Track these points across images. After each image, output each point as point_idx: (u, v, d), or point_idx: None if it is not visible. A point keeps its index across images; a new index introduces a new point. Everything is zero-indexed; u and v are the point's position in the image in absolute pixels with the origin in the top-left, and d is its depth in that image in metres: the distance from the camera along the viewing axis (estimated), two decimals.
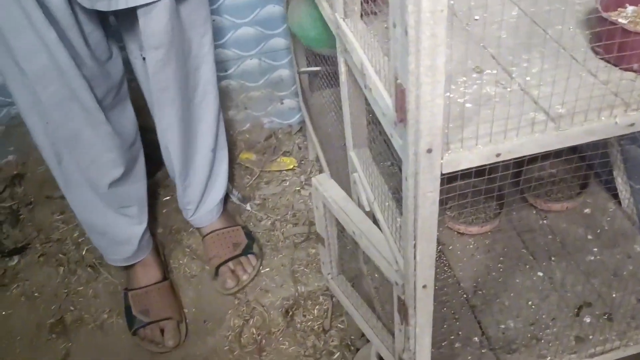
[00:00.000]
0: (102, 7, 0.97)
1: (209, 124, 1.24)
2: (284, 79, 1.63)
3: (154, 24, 1.00)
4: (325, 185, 0.89)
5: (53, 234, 1.47)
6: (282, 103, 1.68)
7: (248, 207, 1.49)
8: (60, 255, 1.42)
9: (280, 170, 1.58)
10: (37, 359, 1.24)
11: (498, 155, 0.59)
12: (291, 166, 1.58)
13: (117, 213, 1.21)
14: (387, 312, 1.01)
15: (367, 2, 0.72)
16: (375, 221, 0.84)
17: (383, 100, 0.61)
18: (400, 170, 1.16)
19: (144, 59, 1.11)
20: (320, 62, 1.23)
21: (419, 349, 0.78)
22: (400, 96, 0.55)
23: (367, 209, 0.87)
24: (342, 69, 0.81)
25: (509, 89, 0.65)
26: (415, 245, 0.65)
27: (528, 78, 0.66)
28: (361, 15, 0.73)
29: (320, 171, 1.55)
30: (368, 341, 1.17)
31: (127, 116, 1.17)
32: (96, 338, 1.27)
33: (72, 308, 1.32)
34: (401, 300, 0.76)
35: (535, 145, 0.59)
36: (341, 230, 1.02)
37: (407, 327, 0.77)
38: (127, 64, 1.18)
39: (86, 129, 1.07)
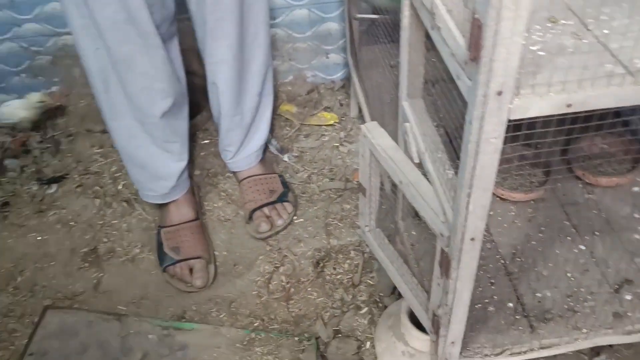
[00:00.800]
0: None
1: (259, 65, 1.23)
2: (332, 33, 1.60)
3: None
4: (375, 132, 0.87)
5: (91, 166, 1.48)
6: (327, 57, 1.65)
7: (285, 158, 1.48)
8: (97, 187, 1.43)
9: (320, 125, 1.57)
10: (69, 284, 1.26)
11: (569, 105, 0.57)
12: (331, 122, 1.57)
13: (159, 147, 1.21)
14: (422, 269, 0.99)
15: None
16: (423, 174, 0.82)
17: (453, 38, 0.59)
18: (447, 133, 1.13)
19: None
20: (374, 13, 1.20)
21: (457, 303, 0.77)
22: (476, 32, 0.52)
23: (416, 160, 0.85)
24: (405, 12, 0.78)
25: (585, 41, 0.62)
26: (469, 194, 0.63)
27: (606, 31, 0.63)
28: None
29: None
30: (397, 299, 1.17)
31: (176, 51, 1.16)
32: (127, 271, 1.28)
33: (105, 240, 1.34)
34: (444, 253, 0.75)
35: (610, 99, 0.57)
36: (381, 186, 1.00)
37: (447, 281, 0.76)
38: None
39: (140, 55, 1.06)
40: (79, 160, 1.50)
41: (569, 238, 1.03)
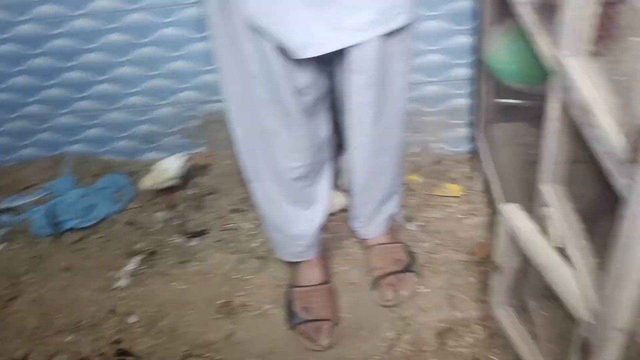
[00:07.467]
0: (313, 53, 1.03)
1: (395, 150, 1.29)
2: (460, 108, 1.66)
3: (359, 52, 1.06)
4: (515, 215, 0.91)
5: (229, 223, 1.60)
6: (454, 131, 1.71)
7: (410, 227, 1.53)
8: (234, 243, 1.54)
9: (445, 196, 1.61)
10: (205, 333, 1.35)
11: None
12: (457, 194, 1.60)
13: (295, 208, 1.30)
14: (553, 351, 0.99)
15: (596, 43, 0.74)
16: (564, 257, 0.84)
17: (610, 139, 0.63)
18: (589, 213, 1.13)
19: None
20: (509, 95, 1.24)
21: None
22: (637, 137, 0.56)
23: (556, 244, 0.87)
24: (554, 105, 0.82)
25: None
26: (619, 287, 0.65)
27: None
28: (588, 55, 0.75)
29: (488, 203, 1.56)
30: None
31: (323, 124, 1.25)
32: (257, 325, 1.36)
33: (239, 293, 1.43)
34: (586, 341, 0.76)
35: None
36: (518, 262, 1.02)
37: None
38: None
39: (283, 129, 1.16)
40: (219, 216, 1.63)
41: None
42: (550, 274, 0.82)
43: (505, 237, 0.93)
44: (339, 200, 1.51)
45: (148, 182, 1.64)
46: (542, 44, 0.86)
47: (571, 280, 0.79)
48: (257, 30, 1.01)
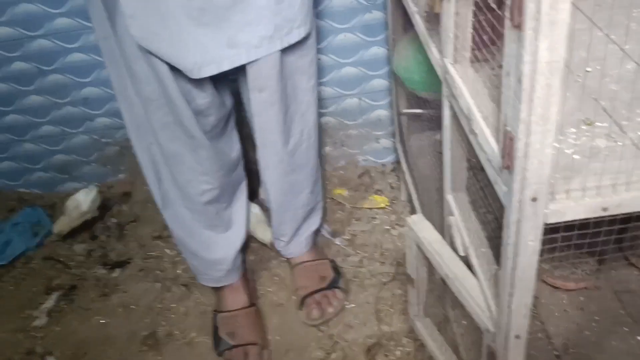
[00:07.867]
0: (208, 72, 1.00)
1: (309, 168, 1.27)
2: (381, 119, 1.66)
3: (259, 69, 1.05)
4: (420, 225, 0.90)
5: (153, 250, 1.55)
6: (378, 142, 1.70)
7: (337, 241, 1.51)
8: (158, 271, 1.49)
9: (372, 208, 1.60)
10: None
11: (605, 209, 0.59)
12: (382, 205, 1.60)
13: (211, 232, 1.26)
14: (472, 359, 0.99)
15: (478, 50, 0.73)
16: (469, 266, 0.84)
17: (489, 146, 0.62)
18: (495, 218, 1.14)
19: None
20: (421, 104, 1.24)
21: None
22: (508, 143, 0.55)
23: (462, 253, 0.86)
24: (446, 113, 0.82)
25: (620, 143, 0.64)
26: (511, 294, 0.65)
27: None
28: (470, 62, 0.75)
29: (412, 212, 1.56)
30: None
31: (232, 144, 1.23)
32: (184, 354, 1.32)
33: (164, 323, 1.38)
34: (490, 349, 0.75)
35: None
36: (430, 273, 1.02)
37: None
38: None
39: (187, 152, 1.13)
40: (141, 244, 1.57)
41: (625, 328, 1.00)
42: (455, 284, 0.81)
43: (413, 248, 0.92)
44: (267, 235, 1.48)
45: (62, 223, 1.57)
46: (433, 52, 0.85)
47: (474, 289, 0.78)
48: (150, 51, 0.98)
